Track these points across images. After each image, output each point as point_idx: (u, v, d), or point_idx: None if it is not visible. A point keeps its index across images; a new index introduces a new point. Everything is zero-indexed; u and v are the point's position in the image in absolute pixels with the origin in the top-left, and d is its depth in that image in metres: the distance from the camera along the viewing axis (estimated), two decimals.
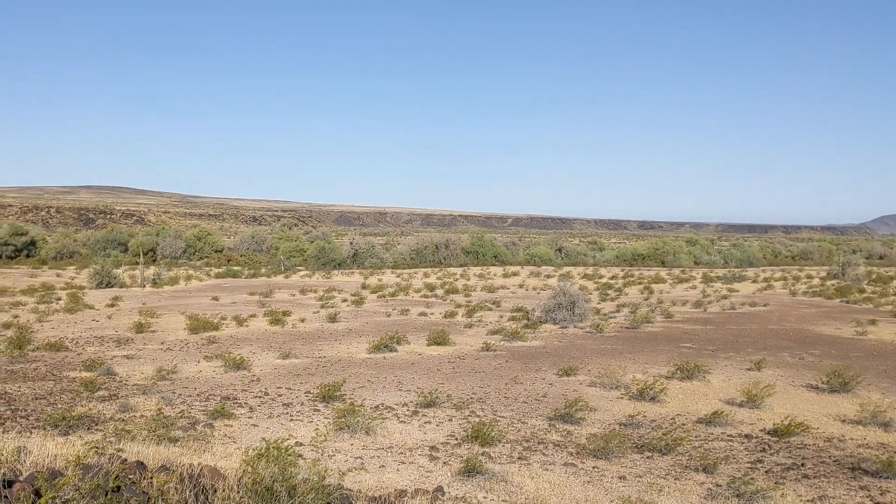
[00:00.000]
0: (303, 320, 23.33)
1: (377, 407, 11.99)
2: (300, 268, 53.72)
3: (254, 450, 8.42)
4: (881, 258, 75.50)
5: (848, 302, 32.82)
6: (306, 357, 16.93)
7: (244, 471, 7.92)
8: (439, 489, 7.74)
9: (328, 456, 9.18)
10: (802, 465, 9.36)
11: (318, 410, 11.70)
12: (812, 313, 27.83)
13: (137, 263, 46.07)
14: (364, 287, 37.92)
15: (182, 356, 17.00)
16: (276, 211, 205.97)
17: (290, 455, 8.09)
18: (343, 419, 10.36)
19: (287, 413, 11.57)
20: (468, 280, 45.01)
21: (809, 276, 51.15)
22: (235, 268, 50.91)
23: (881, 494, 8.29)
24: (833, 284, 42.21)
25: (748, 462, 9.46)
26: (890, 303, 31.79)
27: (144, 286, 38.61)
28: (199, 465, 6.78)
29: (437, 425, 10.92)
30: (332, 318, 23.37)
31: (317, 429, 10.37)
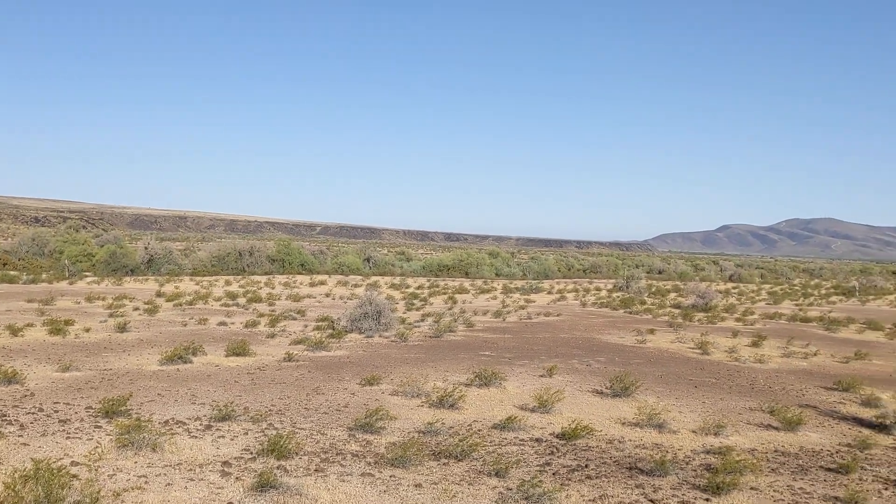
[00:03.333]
0: (88, 330, 21.62)
1: (167, 422, 11.30)
2: (87, 274, 49.90)
3: (20, 471, 7.66)
4: (660, 272, 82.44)
5: (631, 312, 35.47)
6: (90, 370, 15.68)
7: (6, 495, 7.16)
8: None
9: (108, 476, 8.52)
10: (586, 466, 9.91)
11: (100, 427, 10.83)
12: (599, 323, 29.76)
13: None
14: (159, 295, 35.86)
15: None
16: (62, 212, 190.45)
17: (61, 476, 7.44)
18: (127, 436, 9.65)
19: (64, 430, 10.61)
20: (273, 289, 43.92)
21: (598, 289, 54.78)
22: (12, 273, 46.37)
23: (654, 492, 8.95)
24: (618, 296, 45.45)
25: (538, 465, 9.87)
26: (667, 313, 34.71)
27: None
28: None
29: (232, 439, 10.46)
30: (122, 328, 21.85)
31: (97, 446, 9.59)
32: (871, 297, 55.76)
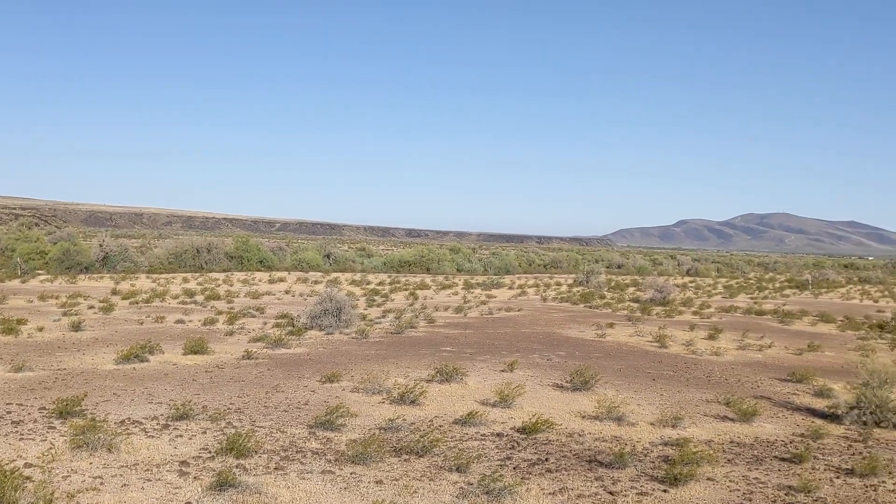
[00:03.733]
0: (41, 329, 21.15)
1: (123, 422, 11.11)
2: (40, 272, 48.80)
3: None
4: (619, 267, 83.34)
5: (591, 307, 35.78)
6: (43, 369, 15.35)
7: None
8: None
9: (62, 477, 8.36)
10: (547, 459, 9.99)
11: (54, 428, 10.61)
12: (560, 317, 29.97)
13: None
14: (114, 293, 35.19)
15: None
16: (13, 209, 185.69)
17: (14, 478, 7.27)
18: (82, 436, 9.47)
19: (17, 432, 10.37)
20: (231, 286, 43.41)
21: (559, 283, 55.16)
22: None
23: (613, 484, 9.05)
24: (578, 291, 45.83)
25: (498, 460, 9.92)
26: (626, 307, 35.11)
27: None
28: None
29: (190, 438, 10.33)
30: (76, 327, 21.42)
31: (50, 448, 9.39)
32: (823, 290, 57.06)
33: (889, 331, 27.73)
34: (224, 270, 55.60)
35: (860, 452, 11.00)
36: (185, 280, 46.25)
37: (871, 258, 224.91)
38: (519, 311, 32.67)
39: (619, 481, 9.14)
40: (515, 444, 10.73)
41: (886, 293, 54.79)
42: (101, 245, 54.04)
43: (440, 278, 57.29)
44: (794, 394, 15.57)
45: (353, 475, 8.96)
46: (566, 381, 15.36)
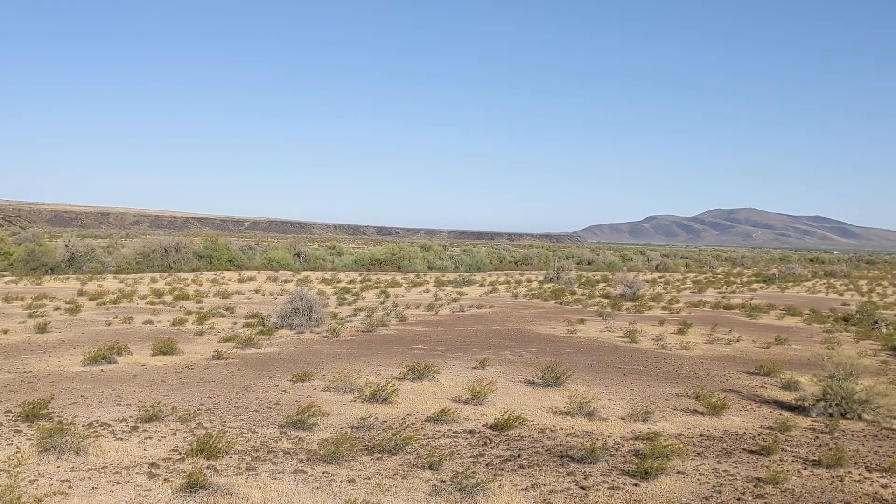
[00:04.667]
0: (6, 331, 20.78)
1: (91, 424, 10.96)
2: (5, 273, 47.94)
3: None
4: (590, 263, 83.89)
5: (561, 303, 35.96)
6: (9, 372, 15.08)
7: None
8: None
9: (29, 481, 8.23)
10: (519, 455, 10.03)
11: (21, 431, 10.43)
12: (531, 314, 30.09)
13: None
14: (81, 294, 34.67)
15: None
16: None
17: None
18: (49, 439, 9.32)
19: None
20: (200, 285, 42.97)
21: (529, 280, 55.38)
22: None
23: (585, 479, 9.11)
24: (549, 287, 46.04)
25: (471, 456, 9.94)
26: (596, 303, 35.35)
27: None
28: None
29: (160, 440, 10.21)
30: (42, 329, 21.06)
31: (16, 451, 9.23)
32: (789, 284, 57.90)
33: (854, 323, 28.24)
34: (193, 270, 55.03)
35: (827, 444, 11.19)
36: (154, 280, 45.70)
37: (835, 252, 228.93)
38: (490, 308, 32.73)
39: (591, 476, 9.20)
40: (488, 441, 10.75)
41: (851, 286, 55.77)
42: (66, 245, 53.20)
43: (411, 276, 57.23)
44: (762, 387, 15.79)
45: (326, 474, 8.92)
46: (538, 378, 15.43)
